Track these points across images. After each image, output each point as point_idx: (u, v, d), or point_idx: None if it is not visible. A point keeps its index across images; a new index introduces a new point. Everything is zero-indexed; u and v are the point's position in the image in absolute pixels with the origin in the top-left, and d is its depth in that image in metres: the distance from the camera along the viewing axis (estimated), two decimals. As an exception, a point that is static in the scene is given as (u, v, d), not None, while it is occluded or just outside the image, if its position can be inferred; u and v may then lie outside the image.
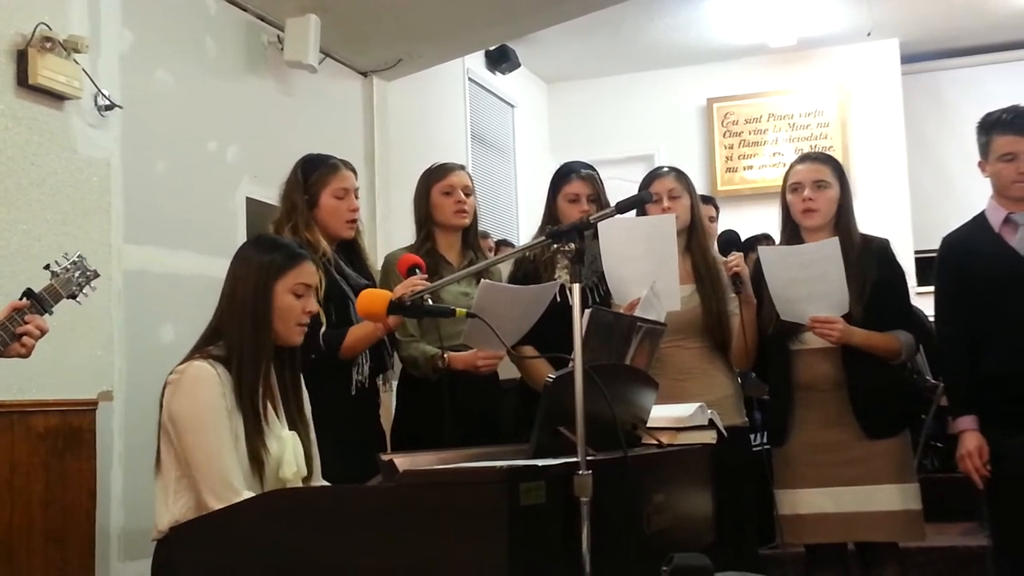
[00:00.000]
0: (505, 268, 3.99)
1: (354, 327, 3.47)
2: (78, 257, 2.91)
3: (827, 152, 5.66)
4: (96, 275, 2.94)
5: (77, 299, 2.90)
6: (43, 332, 2.77)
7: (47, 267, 2.85)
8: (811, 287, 3.46)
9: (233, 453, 2.55)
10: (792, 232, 3.72)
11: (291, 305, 2.72)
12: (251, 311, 2.67)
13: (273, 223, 3.66)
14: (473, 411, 3.61)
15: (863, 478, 3.52)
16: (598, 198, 3.89)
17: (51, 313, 2.82)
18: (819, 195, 3.62)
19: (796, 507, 3.59)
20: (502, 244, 7.01)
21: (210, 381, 2.56)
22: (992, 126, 3.52)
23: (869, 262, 3.58)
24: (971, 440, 3.44)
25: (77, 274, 2.88)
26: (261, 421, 2.62)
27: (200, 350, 2.66)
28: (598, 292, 3.70)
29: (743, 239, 5.80)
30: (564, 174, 3.93)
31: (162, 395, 2.61)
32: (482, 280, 3.46)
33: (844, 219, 3.67)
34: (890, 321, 3.58)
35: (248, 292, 2.68)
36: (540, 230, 3.91)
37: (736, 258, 3.65)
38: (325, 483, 2.82)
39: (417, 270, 3.49)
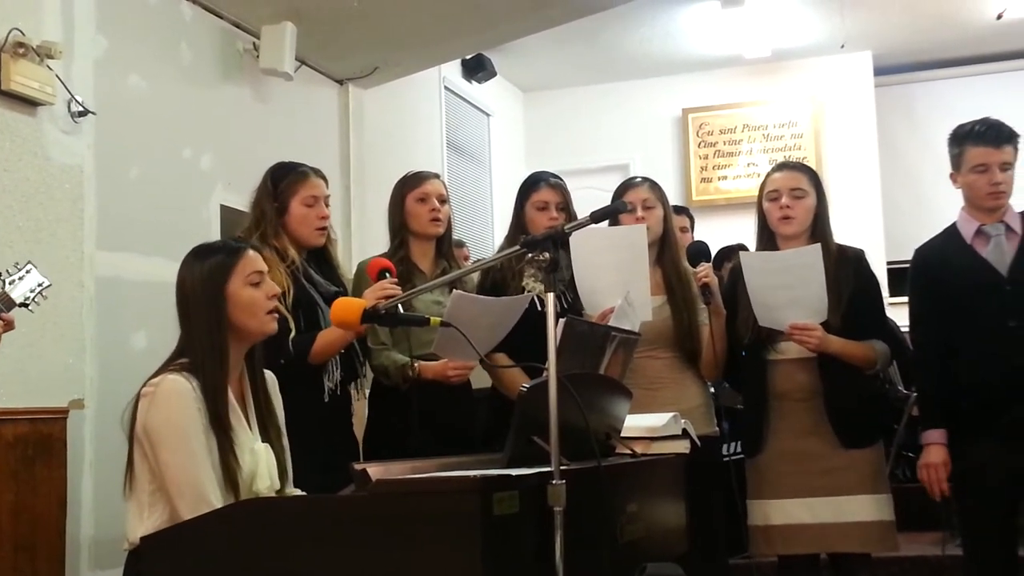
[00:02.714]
0: (476, 277, 3.99)
1: (323, 332, 3.47)
2: (30, 266, 2.90)
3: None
4: (48, 284, 2.94)
5: (29, 307, 2.89)
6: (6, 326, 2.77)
7: None
8: (791, 293, 3.46)
9: (208, 467, 2.53)
10: (768, 241, 3.73)
11: (252, 296, 2.69)
12: (206, 321, 2.64)
13: (242, 231, 3.65)
14: (445, 420, 3.60)
15: (837, 488, 3.52)
16: (567, 207, 3.91)
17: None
18: (796, 204, 3.63)
19: (770, 517, 3.59)
20: None
21: (185, 395, 2.54)
22: (964, 137, 3.54)
23: (846, 272, 3.60)
24: (936, 453, 3.47)
25: (30, 283, 2.87)
26: (231, 433, 2.60)
27: (170, 364, 2.64)
28: (565, 299, 3.71)
29: (719, 249, 5.81)
30: (533, 182, 3.95)
31: (134, 408, 2.59)
32: (454, 291, 3.46)
33: (820, 228, 3.68)
34: (865, 331, 3.59)
35: (200, 304, 2.65)
36: (508, 239, 3.92)
37: (705, 269, 3.66)
38: (296, 490, 2.81)
39: (387, 274, 3.49)
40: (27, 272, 2.89)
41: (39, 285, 2.91)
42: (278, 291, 2.80)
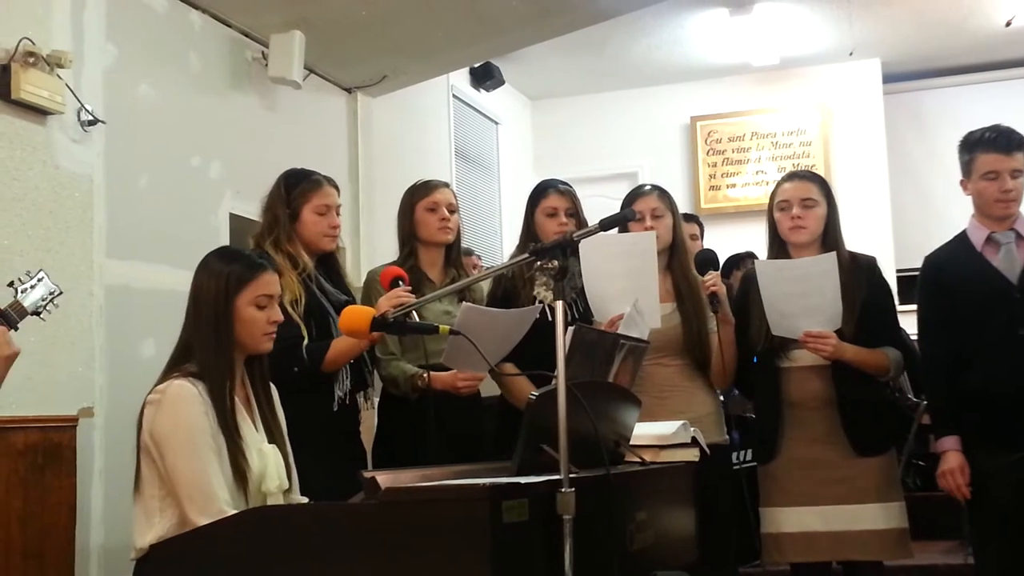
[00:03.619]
0: (487, 287, 3.99)
1: (336, 340, 3.46)
2: (42, 275, 2.92)
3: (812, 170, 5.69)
4: (60, 292, 2.95)
5: (41, 316, 2.91)
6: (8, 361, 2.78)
7: (11, 284, 2.86)
8: (805, 301, 3.46)
9: (218, 471, 2.54)
10: (779, 250, 3.73)
11: (254, 317, 2.72)
12: (214, 326, 2.68)
13: (254, 237, 3.65)
14: (454, 429, 3.60)
15: (850, 496, 3.52)
16: (576, 213, 3.91)
17: (16, 329, 2.82)
18: (807, 213, 3.63)
19: (782, 525, 3.59)
20: None
21: (192, 400, 2.56)
22: (975, 144, 3.53)
23: (858, 280, 3.59)
24: (953, 458, 3.45)
25: (41, 291, 2.89)
26: (238, 434, 2.62)
27: (177, 367, 2.66)
28: (576, 308, 3.71)
29: (727, 257, 5.81)
30: (542, 189, 3.96)
31: (141, 415, 2.60)
32: (463, 304, 3.46)
33: (831, 236, 3.68)
34: (878, 339, 3.59)
35: (210, 307, 2.69)
36: (519, 247, 3.92)
37: (713, 277, 3.66)
38: (303, 497, 2.81)
39: (400, 282, 3.49)
40: (39, 280, 2.90)
41: (50, 293, 2.93)
42: (280, 318, 2.83)
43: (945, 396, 3.53)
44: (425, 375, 3.50)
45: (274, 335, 2.78)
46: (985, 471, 3.42)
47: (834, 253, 3.50)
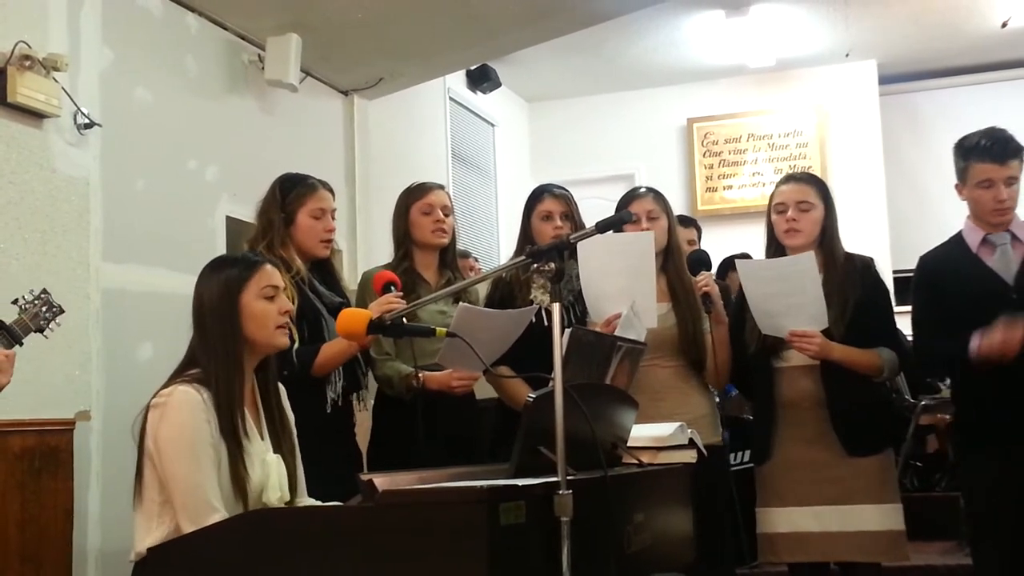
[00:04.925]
0: (483, 289, 3.99)
1: (327, 344, 3.47)
2: (44, 292, 2.93)
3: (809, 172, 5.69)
4: (62, 311, 2.97)
5: (44, 333, 2.92)
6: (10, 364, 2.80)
7: (15, 302, 2.87)
8: (789, 300, 3.46)
9: (214, 479, 2.52)
10: (776, 252, 3.73)
11: (265, 310, 2.71)
12: (220, 332, 2.66)
13: (248, 240, 3.66)
14: (448, 430, 3.60)
15: (845, 497, 3.51)
16: (571, 216, 3.92)
17: (21, 345, 2.83)
18: (802, 216, 3.63)
19: (776, 525, 3.59)
20: None
21: (195, 407, 2.55)
22: (969, 152, 3.52)
23: (852, 281, 3.59)
24: (991, 335, 3.31)
25: (44, 308, 2.91)
26: (242, 443, 2.61)
27: (181, 374, 2.65)
28: (574, 311, 3.72)
29: (723, 258, 5.80)
30: (537, 194, 3.98)
31: (144, 419, 2.60)
32: (460, 304, 3.46)
33: (828, 239, 3.68)
34: (873, 339, 3.58)
35: (215, 313, 2.67)
36: (517, 251, 3.93)
37: (705, 277, 3.67)
38: (311, 500, 2.81)
39: (392, 287, 3.50)
40: (41, 298, 2.92)
41: (53, 311, 2.95)
42: (291, 308, 2.81)
43: (943, 344, 3.47)
44: (420, 375, 3.51)
45: (287, 328, 2.78)
46: (979, 472, 3.42)
47: (811, 252, 3.51)
